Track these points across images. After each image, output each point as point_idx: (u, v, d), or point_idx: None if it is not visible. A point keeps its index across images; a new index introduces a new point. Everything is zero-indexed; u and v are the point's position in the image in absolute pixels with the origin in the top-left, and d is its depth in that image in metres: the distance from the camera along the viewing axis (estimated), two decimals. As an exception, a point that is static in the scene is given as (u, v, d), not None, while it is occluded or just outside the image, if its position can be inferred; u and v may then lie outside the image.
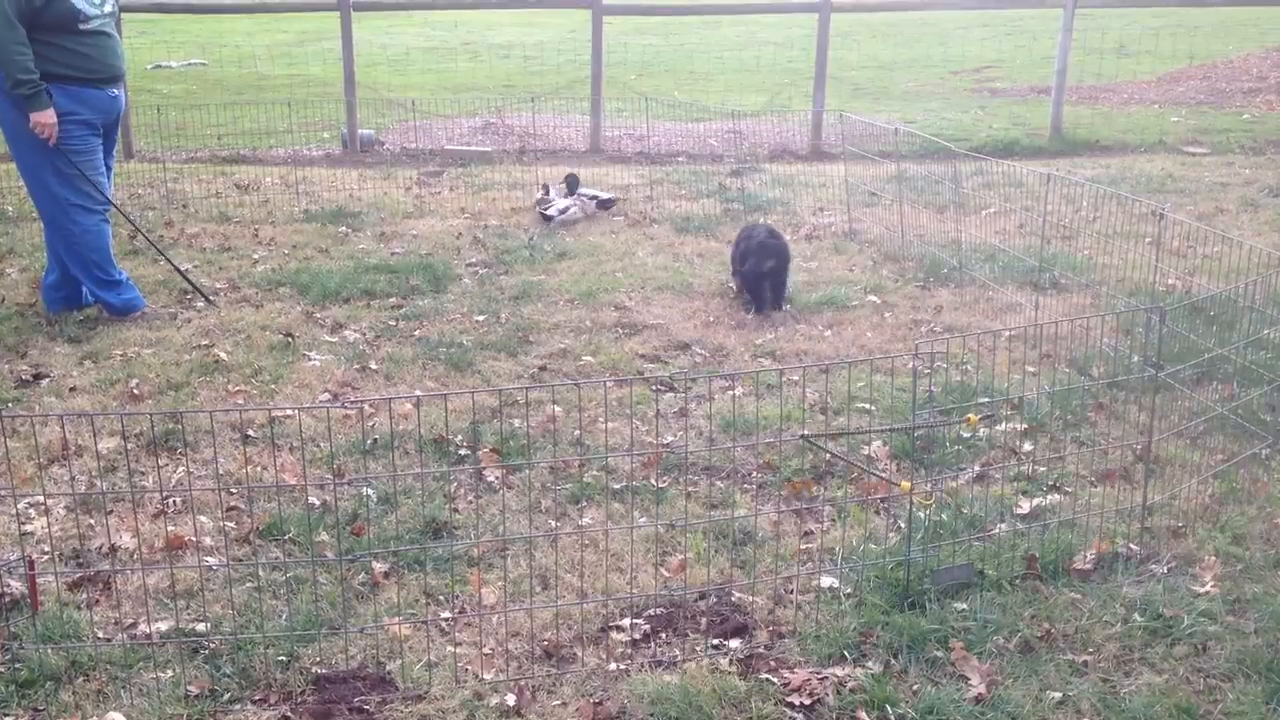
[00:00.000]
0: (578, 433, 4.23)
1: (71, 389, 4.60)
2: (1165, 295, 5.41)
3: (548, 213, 7.34)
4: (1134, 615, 3.02)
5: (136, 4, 12.40)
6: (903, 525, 3.47)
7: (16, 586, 3.15)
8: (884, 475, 3.77)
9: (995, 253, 6.22)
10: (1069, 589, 3.16)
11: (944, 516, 3.53)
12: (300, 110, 10.70)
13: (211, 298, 5.73)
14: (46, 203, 5.28)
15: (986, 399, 4.31)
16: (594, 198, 7.56)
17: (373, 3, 12.39)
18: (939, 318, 5.46)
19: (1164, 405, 4.04)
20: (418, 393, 4.55)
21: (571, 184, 7.61)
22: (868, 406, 4.40)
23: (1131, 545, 3.36)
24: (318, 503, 3.70)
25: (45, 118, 5.06)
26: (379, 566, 3.31)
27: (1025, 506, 3.61)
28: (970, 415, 3.24)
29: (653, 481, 3.85)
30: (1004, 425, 4.20)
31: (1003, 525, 3.47)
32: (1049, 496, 3.70)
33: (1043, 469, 3.89)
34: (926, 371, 4.64)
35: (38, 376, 4.73)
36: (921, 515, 3.48)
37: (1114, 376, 4.51)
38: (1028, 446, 4.07)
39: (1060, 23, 10.14)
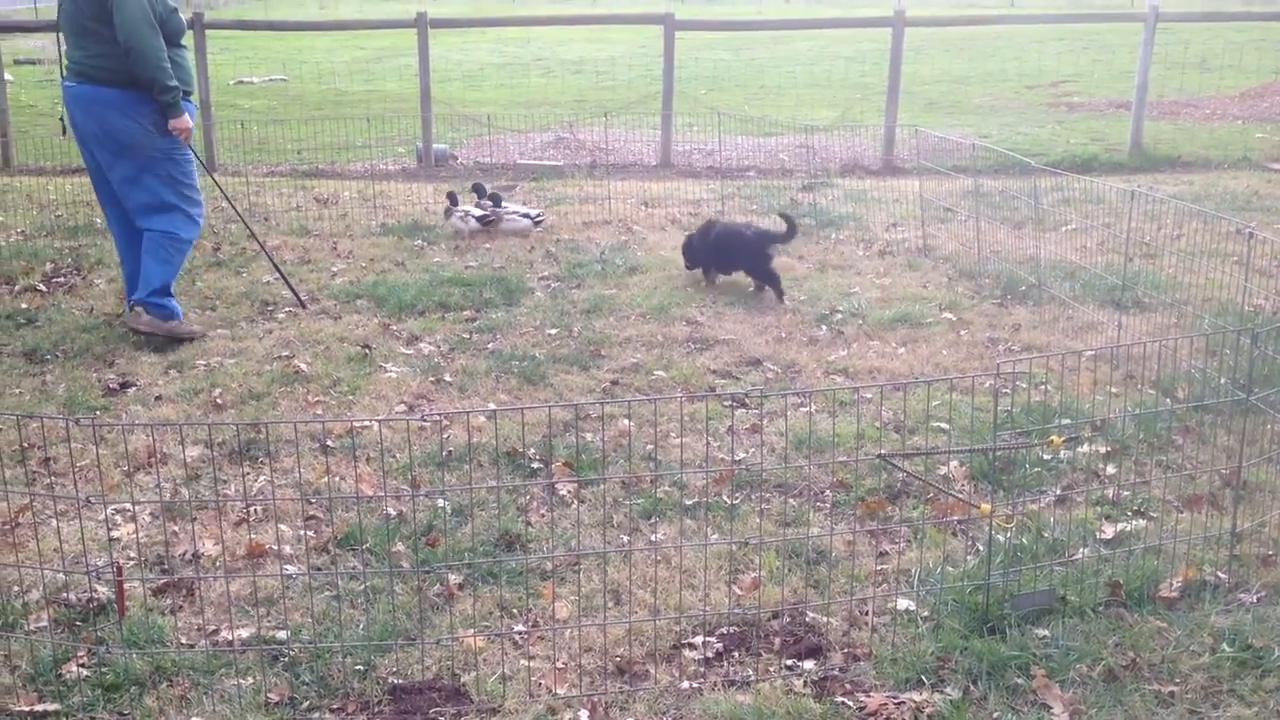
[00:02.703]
0: (650, 448, 4.23)
1: (157, 398, 4.71)
2: (1253, 316, 5.27)
3: (462, 222, 7.34)
4: (1222, 645, 2.93)
5: (221, 21, 12.73)
6: (981, 548, 3.41)
7: (103, 592, 3.23)
8: (962, 497, 3.72)
9: (1075, 270, 6.11)
10: (1154, 617, 3.07)
11: (1024, 540, 3.46)
12: (377, 126, 10.90)
13: (306, 303, 5.90)
14: (155, 214, 5.26)
15: (1068, 420, 4.23)
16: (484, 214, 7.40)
17: (449, 20, 12.57)
18: (1017, 336, 5.37)
19: (1253, 430, 3.93)
20: (491, 406, 4.58)
21: (479, 191, 7.61)
22: (944, 426, 4.34)
23: (1219, 573, 3.26)
24: (394, 513, 3.74)
25: (184, 123, 5.24)
26: (454, 578, 3.34)
27: (1109, 531, 3.53)
28: (1054, 436, 3.17)
29: (725, 498, 3.84)
30: (1086, 447, 4.11)
31: (1085, 550, 3.40)
32: (1133, 522, 3.61)
33: (1127, 493, 3.80)
34: (1006, 391, 4.56)
35: (125, 385, 4.85)
36: (1001, 538, 3.42)
37: (1201, 399, 4.40)
38: (1111, 470, 3.98)
39: (1141, 37, 9.96)
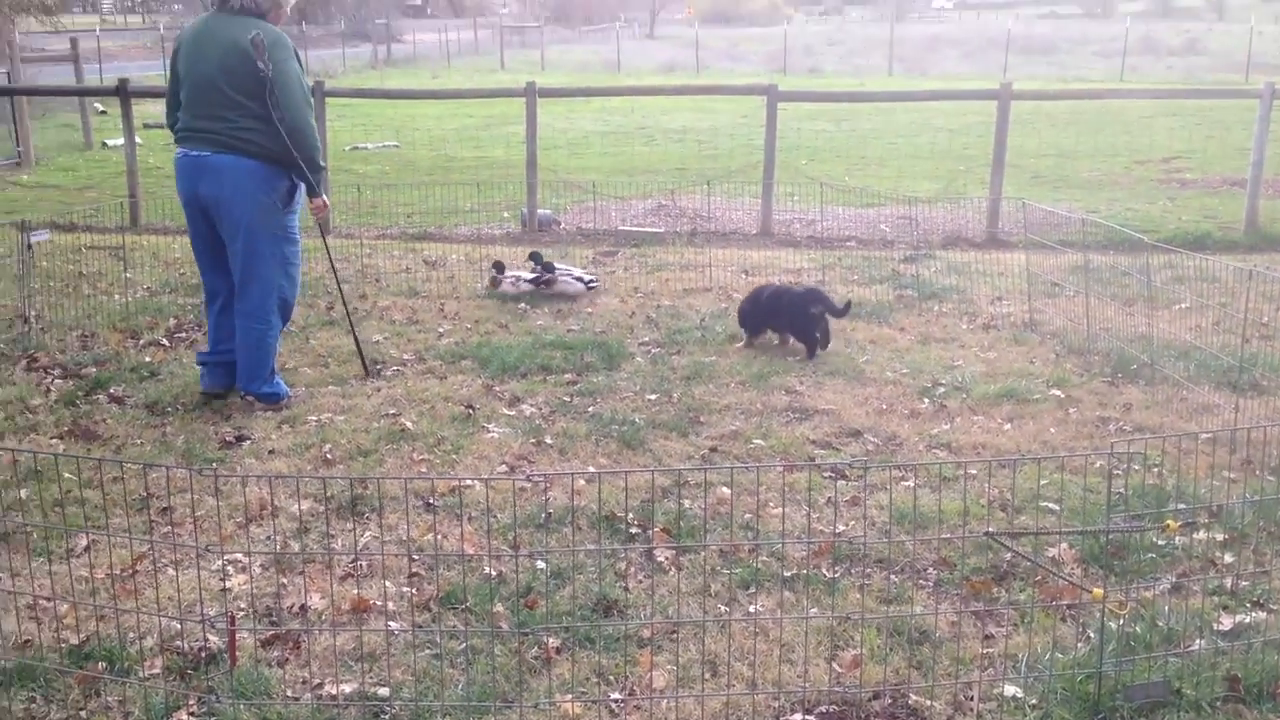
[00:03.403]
0: (749, 517, 4.22)
1: (270, 452, 4.86)
2: (1381, 402, 5.06)
3: (513, 286, 7.50)
4: (1353, 750, 2.79)
5: (340, 89, 13.25)
6: (1092, 635, 3.31)
7: (215, 641, 3.31)
8: (1074, 580, 3.62)
9: (1189, 350, 5.95)
10: (1275, 715, 2.95)
11: (1137, 628, 3.35)
12: (485, 191, 11.18)
13: (371, 373, 5.88)
14: (261, 304, 5.29)
15: (1183, 505, 4.10)
16: (536, 278, 7.56)
17: (556, 89, 12.91)
18: (1129, 416, 5.24)
19: (1383, 521, 3.76)
20: (591, 469, 4.62)
21: (536, 258, 7.71)
22: (1053, 506, 4.24)
23: (1348, 672, 3.11)
24: (494, 573, 3.78)
25: (324, 201, 5.38)
26: (552, 641, 3.35)
27: (1226, 623, 3.40)
28: (1170, 520, 3.08)
29: (825, 571, 3.79)
30: (1202, 534, 3.97)
31: (1201, 641, 3.27)
32: (1253, 613, 3.47)
33: (1245, 583, 3.65)
34: (1118, 472, 4.44)
35: (240, 439, 5.01)
36: (1113, 625, 3.31)
37: (1324, 487, 4.23)
38: (1229, 558, 3.84)
39: (1256, 113, 9.75)
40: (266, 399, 5.39)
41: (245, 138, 5.07)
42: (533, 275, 7.55)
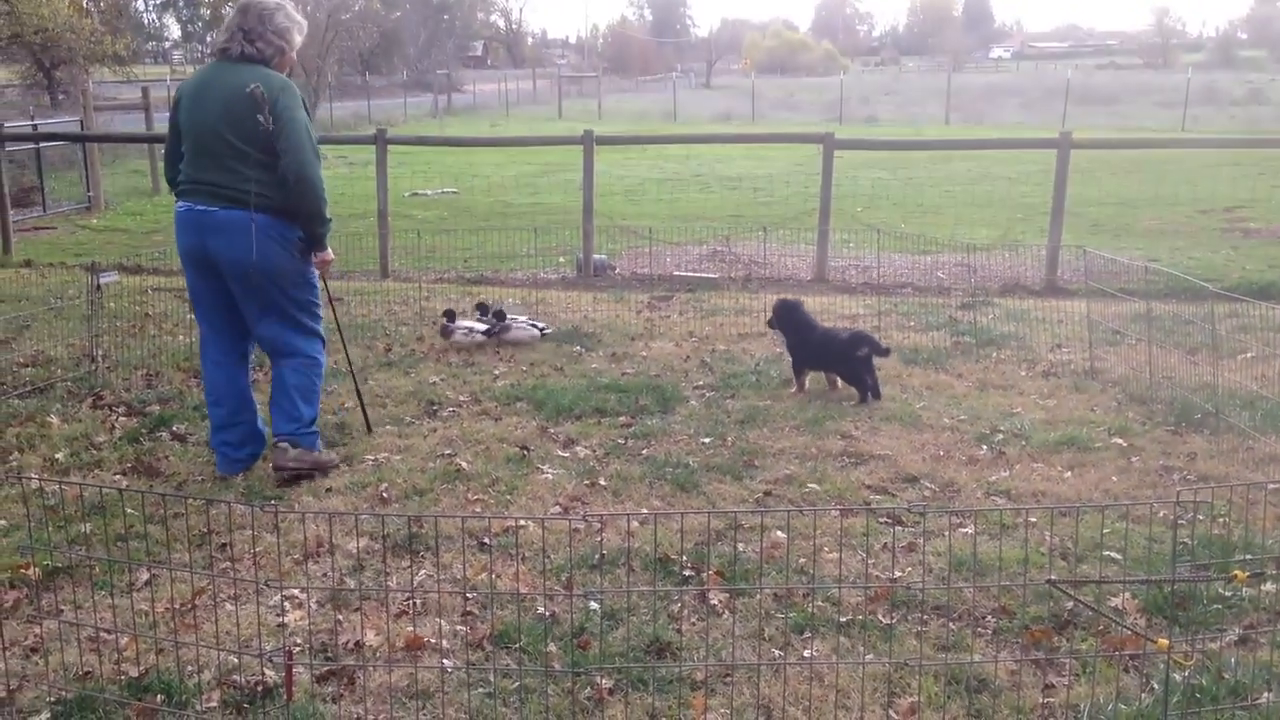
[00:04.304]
0: (803, 561, 4.18)
1: (327, 490, 4.91)
2: None
3: (465, 336, 7.46)
4: None
5: (401, 137, 13.51)
6: (1156, 686, 3.23)
7: (271, 676, 3.34)
8: (1138, 630, 3.53)
9: (1255, 399, 5.83)
10: (1353, 774, 2.84)
11: (1203, 680, 3.26)
12: (542, 236, 11.30)
13: (373, 429, 5.71)
14: (297, 341, 5.08)
15: (1250, 555, 3.99)
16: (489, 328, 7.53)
17: (613, 137, 13.04)
18: (1193, 465, 5.13)
19: None
20: (644, 510, 4.62)
21: (483, 309, 7.71)
22: (1115, 555, 4.15)
23: None
24: (547, 613, 3.78)
25: (330, 255, 5.10)
26: (605, 682, 3.34)
27: (1298, 677, 3.30)
28: (1237, 571, 3.01)
29: (881, 617, 3.74)
30: (1270, 585, 3.87)
31: (1269, 695, 3.18)
32: (1326, 668, 3.37)
33: (1318, 637, 3.55)
34: (1183, 522, 4.35)
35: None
36: (1178, 677, 3.23)
37: (1400, 540, 4.10)
38: (1299, 611, 3.73)
39: (1325, 160, 9.60)
40: (306, 440, 5.07)
41: (252, 190, 4.76)
42: (485, 326, 7.56)
